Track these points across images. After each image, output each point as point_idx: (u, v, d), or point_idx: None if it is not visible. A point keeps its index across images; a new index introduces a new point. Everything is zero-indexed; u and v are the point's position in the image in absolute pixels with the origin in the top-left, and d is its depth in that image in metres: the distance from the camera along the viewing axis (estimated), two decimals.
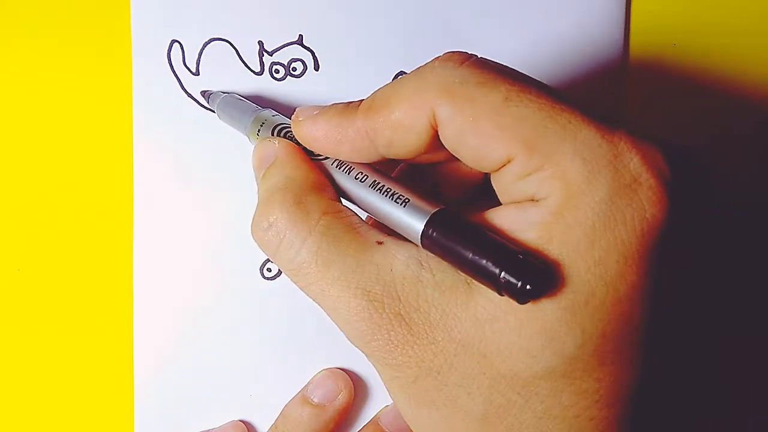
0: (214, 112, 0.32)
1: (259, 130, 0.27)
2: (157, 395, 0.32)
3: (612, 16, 0.32)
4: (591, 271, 0.19)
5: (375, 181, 0.23)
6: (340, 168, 0.24)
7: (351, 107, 0.23)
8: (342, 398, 0.32)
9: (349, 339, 0.22)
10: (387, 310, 0.21)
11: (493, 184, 0.21)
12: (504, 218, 0.20)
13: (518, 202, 0.20)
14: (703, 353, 0.32)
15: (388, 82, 0.32)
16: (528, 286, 0.18)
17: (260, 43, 0.32)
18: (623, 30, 0.32)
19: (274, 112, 0.28)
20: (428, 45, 0.32)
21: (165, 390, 0.32)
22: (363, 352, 0.22)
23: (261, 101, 0.32)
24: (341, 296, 0.22)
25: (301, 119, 0.24)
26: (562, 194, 0.19)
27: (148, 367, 0.32)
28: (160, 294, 0.32)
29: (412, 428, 0.23)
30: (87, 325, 0.33)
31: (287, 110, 0.32)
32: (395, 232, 0.22)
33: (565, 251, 0.19)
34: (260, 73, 0.32)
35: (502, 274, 0.18)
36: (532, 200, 0.20)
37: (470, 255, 0.19)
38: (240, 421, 0.33)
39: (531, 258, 0.19)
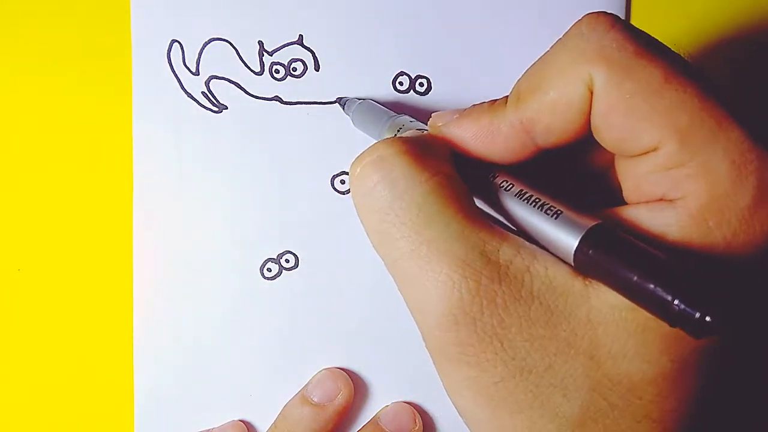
0: (215, 112, 0.32)
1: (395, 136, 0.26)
2: (157, 395, 0.32)
3: None
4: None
5: (522, 190, 0.20)
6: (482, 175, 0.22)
7: (498, 104, 0.21)
8: (341, 398, 0.32)
9: (418, 325, 0.19)
10: (482, 293, 0.18)
11: (621, 169, 0.20)
12: (636, 221, 0.18)
13: (648, 202, 0.19)
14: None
15: (388, 82, 0.32)
16: (707, 318, 0.15)
17: (260, 43, 0.32)
18: None
19: (411, 119, 0.27)
20: (428, 45, 0.32)
21: (165, 390, 0.32)
22: (430, 346, 0.19)
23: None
24: (431, 263, 0.19)
25: (440, 124, 0.22)
26: (705, 195, 0.18)
27: (148, 366, 0.32)
28: (160, 294, 0.32)
29: None
30: (87, 325, 0.33)
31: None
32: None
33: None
34: (260, 73, 0.32)
35: (676, 301, 0.16)
36: (663, 200, 0.18)
37: (635, 277, 0.17)
38: (240, 421, 0.33)
39: (710, 283, 0.16)
